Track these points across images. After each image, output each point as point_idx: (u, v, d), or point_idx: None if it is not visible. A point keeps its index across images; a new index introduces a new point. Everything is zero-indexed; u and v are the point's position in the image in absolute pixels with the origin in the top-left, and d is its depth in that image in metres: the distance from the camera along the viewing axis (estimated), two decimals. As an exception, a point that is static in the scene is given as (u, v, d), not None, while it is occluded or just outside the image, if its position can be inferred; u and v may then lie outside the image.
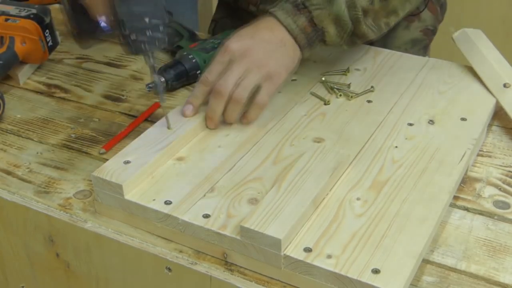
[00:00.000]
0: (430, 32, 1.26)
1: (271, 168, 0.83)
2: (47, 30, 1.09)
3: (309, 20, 0.91)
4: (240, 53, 0.88)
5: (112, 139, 0.93)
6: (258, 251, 0.70)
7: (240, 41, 0.89)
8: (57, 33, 1.12)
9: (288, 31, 0.91)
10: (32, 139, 0.94)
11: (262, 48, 0.89)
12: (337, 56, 1.09)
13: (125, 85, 1.09)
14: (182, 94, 1.06)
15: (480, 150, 0.92)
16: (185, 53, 1.08)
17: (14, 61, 1.07)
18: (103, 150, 0.91)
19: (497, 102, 0.98)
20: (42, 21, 1.08)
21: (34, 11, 1.09)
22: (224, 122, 0.90)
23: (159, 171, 0.81)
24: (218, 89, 0.87)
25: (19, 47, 1.07)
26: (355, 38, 0.95)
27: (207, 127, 0.90)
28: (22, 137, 0.95)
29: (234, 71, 0.87)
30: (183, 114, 0.89)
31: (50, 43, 1.10)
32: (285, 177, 0.78)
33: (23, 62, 1.10)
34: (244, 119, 0.90)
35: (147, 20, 0.82)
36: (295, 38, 0.91)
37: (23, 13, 1.08)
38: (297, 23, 0.91)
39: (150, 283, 0.77)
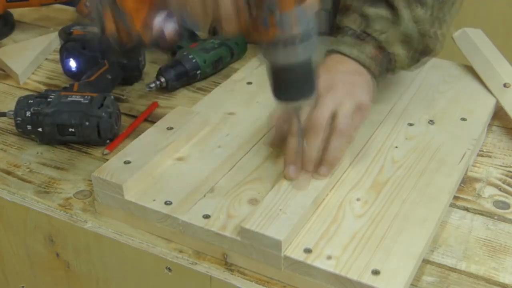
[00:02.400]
0: None
1: (271, 168, 0.82)
2: None
3: (376, 47, 0.86)
4: (325, 88, 0.79)
5: (115, 139, 0.93)
6: (258, 252, 0.70)
7: (319, 78, 0.78)
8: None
9: (359, 62, 0.86)
10: (32, 139, 0.94)
11: (344, 79, 0.82)
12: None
13: (125, 85, 1.09)
14: (182, 94, 1.06)
15: (480, 150, 0.92)
16: (185, 53, 1.08)
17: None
18: (106, 151, 0.91)
19: (497, 102, 0.98)
20: None
21: None
22: (325, 164, 0.78)
23: (159, 171, 0.81)
24: (314, 122, 0.77)
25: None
26: (421, 57, 0.91)
27: (289, 177, 0.77)
28: (22, 137, 0.95)
29: (327, 103, 0.79)
30: (287, 177, 0.77)
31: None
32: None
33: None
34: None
35: None
36: (368, 68, 0.86)
37: None
38: (365, 53, 0.86)
39: (150, 283, 0.77)
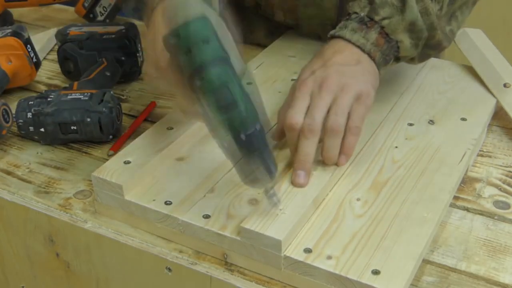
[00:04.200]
0: None
1: (271, 168, 0.82)
2: (28, 45, 1.06)
3: (380, 33, 0.85)
4: (318, 85, 0.80)
5: (119, 140, 0.93)
6: (258, 252, 0.70)
7: (313, 73, 0.81)
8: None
9: (360, 48, 0.84)
10: (36, 141, 0.94)
11: (339, 72, 0.81)
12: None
13: (125, 85, 1.09)
14: (182, 94, 1.06)
15: (480, 150, 0.92)
16: None
17: (5, 81, 1.04)
18: (111, 152, 0.91)
19: (497, 102, 0.98)
20: (21, 36, 1.06)
21: (9, 30, 1.06)
22: (325, 163, 0.80)
23: (159, 171, 0.81)
24: (307, 128, 0.77)
25: (6, 66, 1.03)
26: (428, 50, 0.90)
27: (294, 183, 0.76)
28: (22, 137, 0.95)
29: (319, 103, 0.78)
30: (296, 184, 0.76)
31: (34, 59, 1.07)
32: (285, 178, 0.78)
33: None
34: (341, 154, 0.80)
35: None
36: (369, 54, 0.84)
37: None
38: (368, 38, 0.84)
39: (150, 283, 0.77)
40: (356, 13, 0.87)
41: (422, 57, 0.92)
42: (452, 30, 0.92)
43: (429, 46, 0.90)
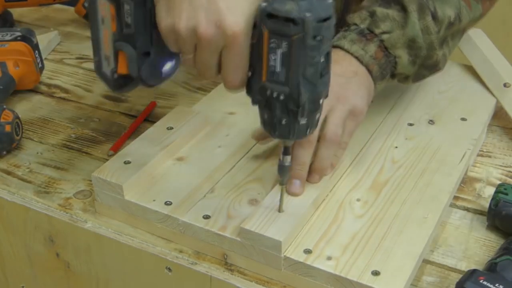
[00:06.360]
0: None
1: (271, 168, 0.82)
2: (36, 51, 1.05)
3: (379, 46, 0.84)
4: None
5: (119, 140, 0.93)
6: (258, 252, 0.70)
7: None
8: (58, 34, 1.08)
9: (358, 60, 0.83)
10: (32, 139, 0.94)
11: (337, 82, 0.77)
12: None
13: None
14: (182, 94, 1.06)
15: (480, 150, 0.92)
16: None
17: (12, 85, 1.03)
18: (111, 152, 0.91)
19: (497, 102, 0.98)
20: (31, 41, 1.05)
21: (19, 33, 1.05)
22: (315, 172, 0.78)
23: (159, 171, 0.81)
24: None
25: (14, 71, 1.03)
26: (424, 71, 0.88)
27: (289, 192, 0.75)
28: (22, 137, 0.95)
29: None
30: (292, 193, 0.76)
31: (40, 65, 1.07)
32: (285, 178, 0.78)
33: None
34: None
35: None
36: (367, 67, 0.83)
37: (8, 37, 1.05)
38: (366, 50, 0.83)
39: (150, 283, 0.77)
40: (356, 24, 0.85)
41: (417, 77, 0.89)
42: (445, 54, 0.90)
43: (426, 66, 0.88)
